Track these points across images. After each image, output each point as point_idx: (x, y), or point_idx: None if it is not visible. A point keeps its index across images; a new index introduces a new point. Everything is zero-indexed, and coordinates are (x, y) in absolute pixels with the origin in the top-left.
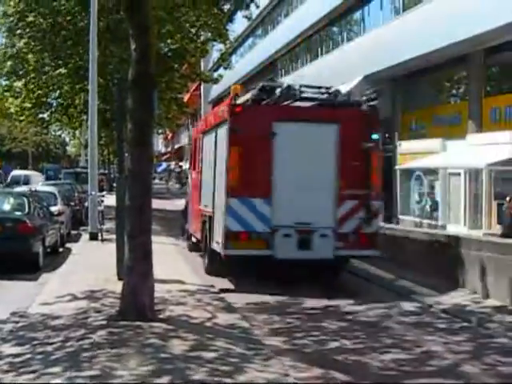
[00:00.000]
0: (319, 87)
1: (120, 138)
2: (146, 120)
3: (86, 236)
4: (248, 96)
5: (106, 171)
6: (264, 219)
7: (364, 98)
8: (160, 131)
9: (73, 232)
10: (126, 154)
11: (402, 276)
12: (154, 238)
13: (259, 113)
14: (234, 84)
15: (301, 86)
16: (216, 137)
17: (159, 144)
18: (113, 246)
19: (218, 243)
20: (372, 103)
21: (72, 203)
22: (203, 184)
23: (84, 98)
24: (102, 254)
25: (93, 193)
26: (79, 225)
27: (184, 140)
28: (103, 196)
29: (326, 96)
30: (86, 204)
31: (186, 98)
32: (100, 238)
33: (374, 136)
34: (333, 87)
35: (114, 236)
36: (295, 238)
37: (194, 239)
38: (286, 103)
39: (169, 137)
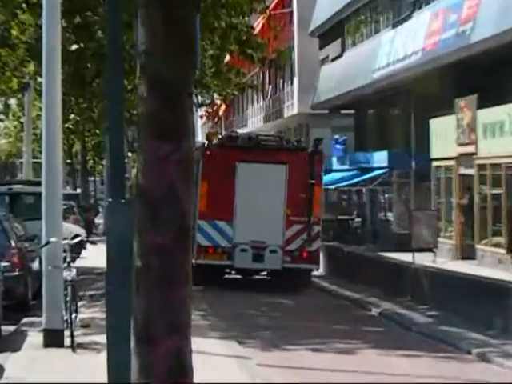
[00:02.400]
0: (273, 135)
1: (115, 116)
2: (181, 79)
3: (36, 338)
4: (217, 141)
5: (78, 191)
6: (227, 237)
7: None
8: (201, 101)
9: (5, 329)
10: (131, 154)
11: None
12: None
13: (225, 155)
14: None
15: (258, 136)
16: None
17: (198, 128)
18: (100, 362)
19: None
20: (317, 147)
21: (2, 264)
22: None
23: (33, 26)
24: None
25: (52, 240)
26: (21, 311)
27: (255, 120)
28: (78, 248)
29: (277, 142)
30: (36, 265)
31: (256, 25)
32: (70, 342)
33: (317, 174)
34: (284, 136)
35: (101, 338)
36: (250, 253)
37: None
38: (246, 148)
39: (216, 111)
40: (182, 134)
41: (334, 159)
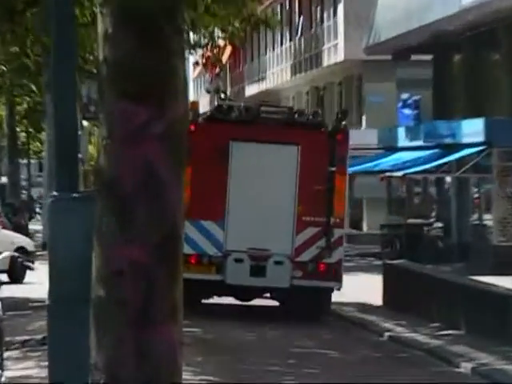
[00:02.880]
0: (280, 107)
1: (62, 63)
2: (164, 6)
3: None
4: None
5: (3, 180)
6: (216, 242)
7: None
8: (195, 41)
9: None
10: (87, 124)
11: None
12: None
13: (215, 131)
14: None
15: (260, 106)
16: None
17: (189, 82)
18: None
19: None
20: (340, 123)
21: None
22: None
23: None
24: None
25: None
26: None
27: (278, 71)
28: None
29: (286, 116)
30: None
31: None
32: None
33: (340, 159)
34: (295, 108)
35: None
36: (248, 264)
37: None
38: (243, 122)
39: (218, 56)
40: (167, 93)
41: (401, 131)
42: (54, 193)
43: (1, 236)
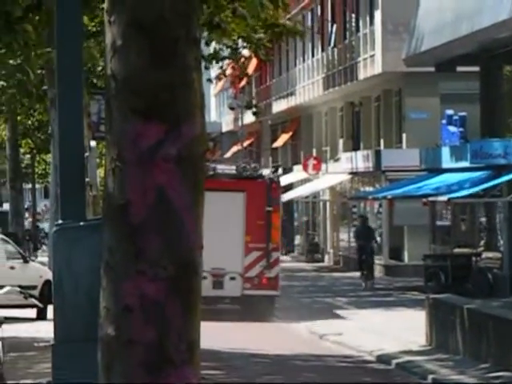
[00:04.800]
0: (231, 164)
1: (67, 77)
2: (178, 16)
3: None
4: None
5: (4, 208)
6: None
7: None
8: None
9: None
10: (95, 144)
11: None
12: None
13: None
14: None
15: (216, 165)
16: None
17: (210, 97)
18: None
19: None
20: (274, 175)
21: None
22: None
23: None
24: None
25: None
26: None
27: (309, 84)
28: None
29: (235, 171)
30: None
31: None
32: None
33: (274, 201)
34: (242, 164)
35: None
36: (210, 280)
37: None
38: (206, 177)
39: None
40: (182, 111)
41: (445, 151)
42: (59, 221)
43: (29, 269)
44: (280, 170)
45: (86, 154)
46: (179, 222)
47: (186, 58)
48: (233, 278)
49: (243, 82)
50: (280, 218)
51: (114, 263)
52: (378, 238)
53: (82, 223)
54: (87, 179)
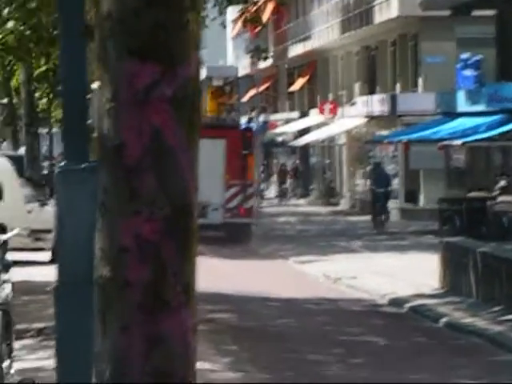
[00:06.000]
0: (212, 117)
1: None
2: None
3: None
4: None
5: (20, 152)
6: None
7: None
8: None
9: None
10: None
11: None
12: None
13: None
14: None
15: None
16: None
17: (228, 42)
18: None
19: None
20: (248, 124)
21: None
22: None
23: None
24: None
25: None
26: None
27: (326, 28)
28: None
29: (217, 122)
30: None
31: None
32: None
33: (250, 146)
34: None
35: None
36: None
37: None
38: None
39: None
40: (177, 51)
41: (461, 95)
42: (62, 163)
43: (45, 213)
44: (256, 118)
45: (89, 96)
46: (174, 163)
47: None
48: (215, 209)
49: (259, 27)
50: (255, 160)
51: (109, 204)
52: (394, 181)
53: (83, 165)
54: (90, 121)
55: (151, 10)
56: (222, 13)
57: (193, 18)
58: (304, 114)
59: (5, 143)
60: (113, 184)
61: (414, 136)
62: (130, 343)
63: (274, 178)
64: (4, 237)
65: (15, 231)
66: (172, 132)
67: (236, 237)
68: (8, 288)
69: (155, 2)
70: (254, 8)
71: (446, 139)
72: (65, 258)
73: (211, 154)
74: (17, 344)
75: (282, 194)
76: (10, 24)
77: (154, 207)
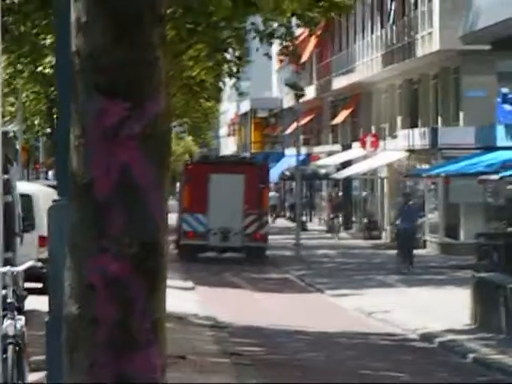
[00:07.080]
0: (233, 155)
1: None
2: None
3: None
4: (196, 158)
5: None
6: (203, 224)
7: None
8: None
9: None
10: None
11: None
12: None
13: (201, 167)
14: None
15: (223, 156)
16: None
17: (273, 74)
18: None
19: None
20: (261, 163)
21: None
22: (179, 206)
23: None
24: None
25: None
26: None
27: (369, 61)
28: None
29: (235, 159)
30: None
31: None
32: None
33: (265, 180)
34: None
35: None
36: (220, 235)
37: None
38: (216, 163)
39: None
40: (146, 88)
41: (501, 129)
42: (56, 197)
43: None
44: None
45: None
46: (143, 201)
47: (151, 35)
48: (236, 234)
49: (304, 58)
50: (268, 192)
51: (78, 241)
52: (431, 215)
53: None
54: None
55: (119, 47)
56: (270, 44)
57: (161, 55)
58: (347, 147)
59: (50, 173)
60: (81, 220)
61: (452, 169)
62: (97, 381)
63: (318, 209)
64: (18, 269)
65: (29, 263)
66: (141, 169)
67: (253, 258)
68: (21, 321)
69: (123, 38)
70: (295, 43)
71: (484, 173)
72: (56, 292)
73: (233, 187)
74: (35, 376)
75: (333, 227)
76: (49, 58)
77: (122, 245)
